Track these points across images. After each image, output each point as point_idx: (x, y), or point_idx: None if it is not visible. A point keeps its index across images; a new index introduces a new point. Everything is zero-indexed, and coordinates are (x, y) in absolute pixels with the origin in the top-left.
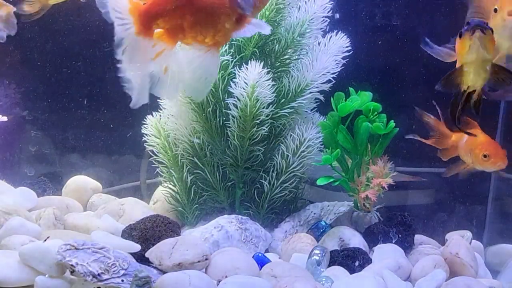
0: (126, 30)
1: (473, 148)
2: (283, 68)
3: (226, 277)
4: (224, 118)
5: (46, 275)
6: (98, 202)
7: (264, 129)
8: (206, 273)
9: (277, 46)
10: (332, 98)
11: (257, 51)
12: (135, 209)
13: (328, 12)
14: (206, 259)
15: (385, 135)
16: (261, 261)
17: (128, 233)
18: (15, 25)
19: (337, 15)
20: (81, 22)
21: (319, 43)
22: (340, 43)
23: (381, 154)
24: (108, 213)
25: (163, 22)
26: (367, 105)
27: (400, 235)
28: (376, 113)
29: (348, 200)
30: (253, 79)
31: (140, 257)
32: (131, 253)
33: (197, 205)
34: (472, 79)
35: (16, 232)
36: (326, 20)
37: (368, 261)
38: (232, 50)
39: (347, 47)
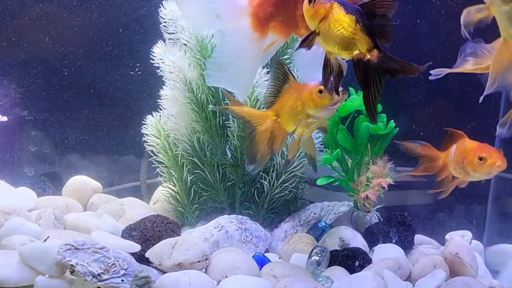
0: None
1: (465, 155)
2: None
3: (226, 277)
4: (224, 118)
5: (46, 275)
6: (98, 202)
7: None
8: (206, 273)
9: None
10: None
11: None
12: (135, 209)
13: None
14: (206, 259)
15: (385, 135)
16: (261, 261)
17: (128, 233)
18: None
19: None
20: (82, 22)
21: None
22: None
23: (381, 154)
24: (108, 213)
25: (277, 15)
26: None
27: (400, 235)
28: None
29: (348, 200)
30: None
31: (140, 257)
32: (131, 253)
33: (197, 205)
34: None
35: (16, 232)
36: None
37: (368, 261)
38: None
39: None
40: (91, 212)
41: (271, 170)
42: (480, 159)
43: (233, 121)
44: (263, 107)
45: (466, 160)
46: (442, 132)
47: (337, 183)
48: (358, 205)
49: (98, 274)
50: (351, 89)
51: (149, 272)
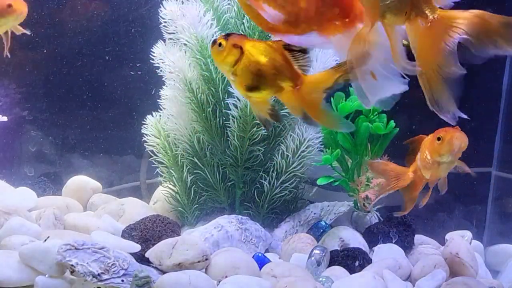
0: None
1: (426, 148)
2: None
3: (226, 277)
4: (224, 118)
5: (46, 275)
6: (98, 202)
7: (264, 129)
8: (206, 273)
9: None
10: (332, 98)
11: None
12: (135, 209)
13: None
14: (206, 259)
15: (385, 135)
16: (261, 261)
17: (128, 233)
18: None
19: None
20: (81, 22)
21: None
22: None
23: (381, 154)
24: (108, 213)
25: None
26: None
27: (400, 235)
28: (376, 113)
29: (348, 200)
30: None
31: (140, 257)
32: (131, 253)
33: (197, 205)
34: None
35: (16, 232)
36: None
37: (368, 261)
38: None
39: None
40: (91, 212)
41: (271, 170)
42: (438, 139)
43: (233, 121)
44: None
45: (429, 150)
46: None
47: (337, 183)
48: (358, 205)
49: (98, 274)
50: (351, 89)
51: (149, 272)
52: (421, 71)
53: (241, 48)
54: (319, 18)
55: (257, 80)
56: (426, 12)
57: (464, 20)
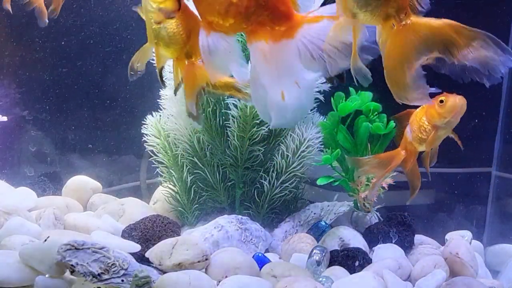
0: None
1: (424, 114)
2: None
3: (226, 277)
4: (224, 118)
5: (46, 275)
6: (98, 202)
7: (264, 129)
8: (206, 273)
9: None
10: (332, 98)
11: None
12: (135, 209)
13: None
14: (206, 259)
15: (385, 135)
16: (261, 261)
17: (128, 233)
18: None
19: None
20: (81, 22)
21: None
22: None
23: None
24: (108, 213)
25: None
26: (367, 105)
27: (400, 235)
28: (376, 113)
29: (348, 200)
30: None
31: (140, 257)
32: (131, 253)
33: (197, 205)
34: None
35: (16, 232)
36: None
37: (368, 261)
38: None
39: None
40: (91, 212)
41: (271, 170)
42: (441, 101)
43: (233, 121)
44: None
45: (428, 115)
46: None
47: (337, 183)
48: (358, 205)
49: (98, 274)
50: (351, 89)
51: (149, 272)
52: (389, 68)
53: (179, 7)
54: (249, 17)
55: (170, 40)
56: (401, 16)
57: (434, 29)
